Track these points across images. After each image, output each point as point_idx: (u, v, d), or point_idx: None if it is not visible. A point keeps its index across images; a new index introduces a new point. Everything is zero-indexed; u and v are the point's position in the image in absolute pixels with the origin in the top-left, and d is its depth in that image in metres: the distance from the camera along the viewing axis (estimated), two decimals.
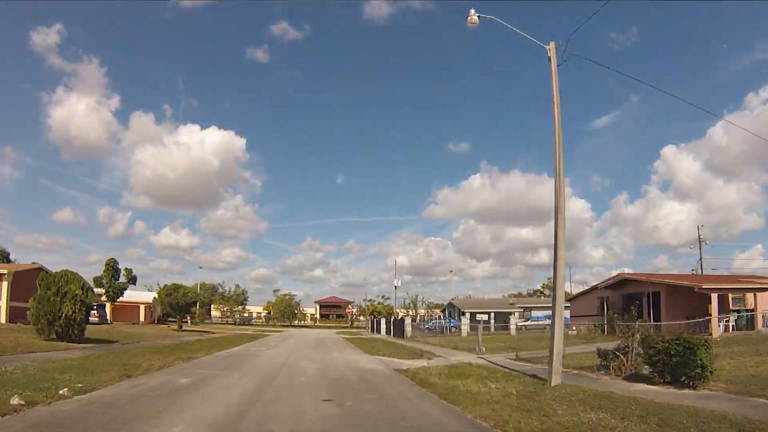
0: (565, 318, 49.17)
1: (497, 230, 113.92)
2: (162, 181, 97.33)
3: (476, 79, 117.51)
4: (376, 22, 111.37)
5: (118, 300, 52.10)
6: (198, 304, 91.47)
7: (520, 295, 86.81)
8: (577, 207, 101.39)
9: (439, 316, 50.53)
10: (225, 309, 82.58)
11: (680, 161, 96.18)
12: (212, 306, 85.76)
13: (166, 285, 39.76)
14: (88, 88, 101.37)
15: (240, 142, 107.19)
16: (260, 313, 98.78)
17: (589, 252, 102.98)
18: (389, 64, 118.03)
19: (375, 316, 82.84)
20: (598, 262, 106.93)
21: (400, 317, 48.89)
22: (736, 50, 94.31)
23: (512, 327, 43.47)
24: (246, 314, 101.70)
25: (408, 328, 38.60)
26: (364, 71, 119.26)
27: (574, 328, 38.42)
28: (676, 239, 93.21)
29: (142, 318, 53.40)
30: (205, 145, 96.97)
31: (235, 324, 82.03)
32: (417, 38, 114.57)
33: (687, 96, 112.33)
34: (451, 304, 56.88)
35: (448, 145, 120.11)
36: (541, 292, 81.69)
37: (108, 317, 49.72)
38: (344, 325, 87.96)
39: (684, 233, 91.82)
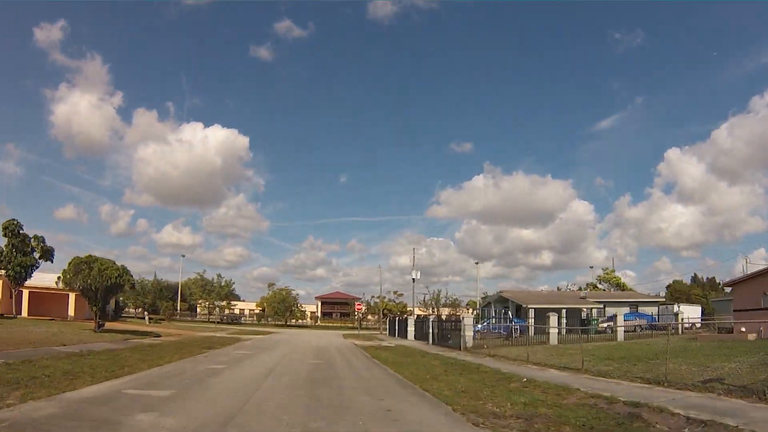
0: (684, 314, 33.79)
1: (500, 231, 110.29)
2: (165, 178, 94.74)
3: (480, 78, 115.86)
4: (380, 21, 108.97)
5: (41, 286, 37.14)
6: (179, 297, 77.80)
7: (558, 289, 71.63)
8: (580, 209, 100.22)
9: (504, 315, 35.09)
10: (206, 304, 67.55)
11: (684, 164, 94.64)
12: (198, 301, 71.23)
13: (76, 257, 24.58)
14: (91, 85, 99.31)
15: (243, 141, 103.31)
16: (253, 310, 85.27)
17: (592, 253, 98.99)
18: (393, 64, 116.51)
19: (388, 315, 67.92)
20: (600, 263, 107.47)
21: (449, 315, 33.67)
22: (741, 53, 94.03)
23: (620, 330, 28.36)
24: (237, 311, 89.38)
25: (468, 333, 23.37)
26: (368, 70, 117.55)
27: (743, 329, 23.25)
28: (678, 241, 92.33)
29: (71, 312, 38.21)
30: (208, 143, 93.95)
31: (220, 322, 67.18)
32: (421, 37, 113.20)
33: (691, 99, 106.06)
34: (501, 298, 41.60)
35: (452, 145, 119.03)
36: (595, 286, 66.37)
37: (17, 309, 34.74)
38: (350, 325, 72.78)
39: (687, 236, 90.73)
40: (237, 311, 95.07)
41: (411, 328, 36.14)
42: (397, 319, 41.53)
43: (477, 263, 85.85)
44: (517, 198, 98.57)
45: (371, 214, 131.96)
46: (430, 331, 29.52)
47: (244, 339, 29.83)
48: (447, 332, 28.47)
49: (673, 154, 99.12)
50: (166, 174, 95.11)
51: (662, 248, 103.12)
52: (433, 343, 29.01)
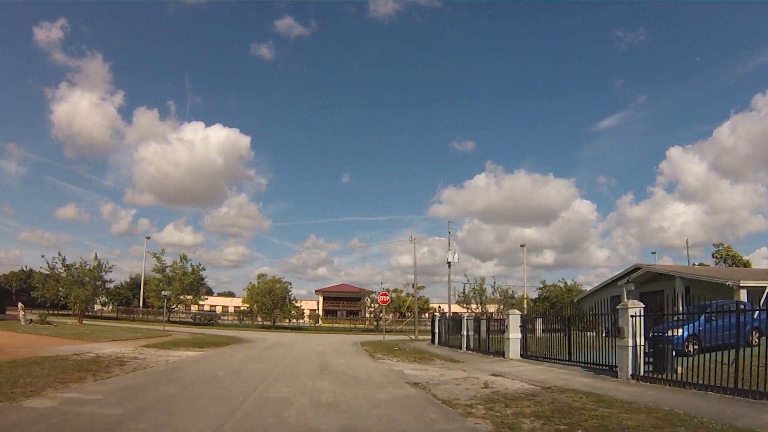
0: None
1: (502, 230, 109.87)
2: (166, 178, 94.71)
3: (482, 77, 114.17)
4: (381, 20, 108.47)
5: None
6: (141, 290, 59.06)
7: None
8: (582, 208, 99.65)
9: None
10: (167, 300, 48.57)
11: (686, 162, 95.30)
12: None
13: None
14: (92, 84, 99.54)
15: (245, 140, 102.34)
16: (239, 307, 67.61)
17: (594, 253, 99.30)
18: (395, 62, 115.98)
19: (405, 313, 49.99)
20: (602, 263, 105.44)
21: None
22: (743, 51, 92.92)
23: None
24: (219, 308, 72.93)
25: None
26: (370, 69, 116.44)
27: None
28: (681, 240, 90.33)
29: None
30: (209, 142, 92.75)
31: (191, 323, 48.77)
32: (422, 36, 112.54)
33: (693, 97, 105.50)
34: (653, 276, 22.54)
35: (453, 143, 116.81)
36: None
37: None
38: (361, 326, 54.10)
39: (689, 234, 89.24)
40: (220, 308, 78.62)
41: (515, 336, 17.29)
42: (465, 318, 22.34)
43: (523, 246, 67.04)
44: (519, 197, 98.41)
45: (373, 214, 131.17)
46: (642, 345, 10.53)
47: (105, 375, 10.91)
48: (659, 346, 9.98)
49: (675, 152, 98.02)
50: (167, 173, 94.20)
51: (664, 247, 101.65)
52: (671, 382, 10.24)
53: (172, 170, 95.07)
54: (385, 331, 48.14)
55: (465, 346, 21.81)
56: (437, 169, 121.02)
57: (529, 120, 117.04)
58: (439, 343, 26.52)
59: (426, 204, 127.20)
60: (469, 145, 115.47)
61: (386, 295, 31.41)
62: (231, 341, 24.98)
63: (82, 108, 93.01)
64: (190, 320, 54.82)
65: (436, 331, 26.94)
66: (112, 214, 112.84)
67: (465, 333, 22.14)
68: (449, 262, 52.10)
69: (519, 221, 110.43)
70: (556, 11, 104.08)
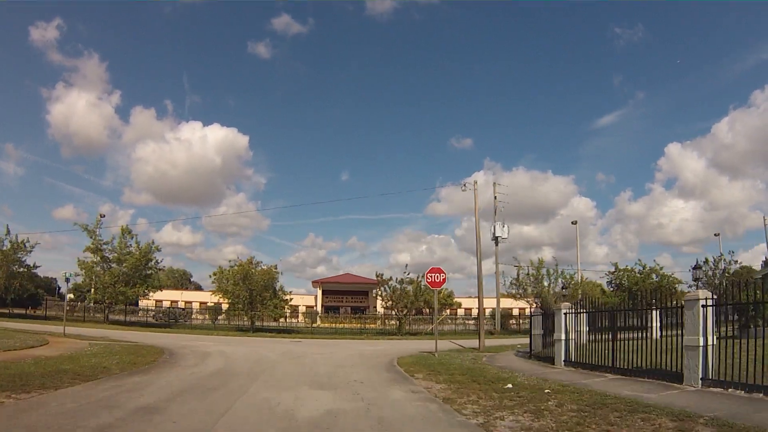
0: None
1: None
2: (164, 178, 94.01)
3: (480, 74, 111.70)
4: (379, 17, 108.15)
5: None
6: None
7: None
8: (581, 205, 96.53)
9: None
10: (109, 292, 34.44)
11: (685, 159, 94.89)
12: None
13: None
14: (89, 84, 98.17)
15: (243, 140, 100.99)
16: (220, 302, 53.98)
17: (593, 250, 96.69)
18: (393, 60, 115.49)
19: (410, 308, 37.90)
20: (601, 260, 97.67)
21: None
22: (742, 47, 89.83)
23: None
24: (197, 303, 58.70)
25: None
26: (368, 67, 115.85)
27: None
28: (680, 237, 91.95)
29: None
30: (207, 142, 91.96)
31: (147, 324, 35.19)
32: (421, 33, 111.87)
33: (692, 93, 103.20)
34: None
35: (452, 141, 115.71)
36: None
37: None
38: (374, 326, 40.34)
39: (688, 231, 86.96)
40: (197, 305, 64.90)
41: None
42: (706, 305, 8.26)
43: (574, 223, 53.14)
44: (517, 194, 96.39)
45: (371, 212, 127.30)
46: None
47: None
48: None
49: (673, 149, 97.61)
50: (165, 173, 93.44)
51: (663, 244, 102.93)
52: None
53: (170, 170, 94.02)
54: (407, 334, 34.60)
55: (700, 373, 8.01)
56: (436, 167, 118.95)
57: (528, 117, 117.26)
58: (567, 361, 12.76)
59: (425, 202, 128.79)
60: (467, 142, 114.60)
61: (441, 272, 16.91)
62: (129, 364, 11.27)
63: (79, 108, 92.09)
64: (152, 319, 41.52)
65: (562, 337, 13.02)
66: (110, 214, 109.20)
67: (701, 343, 8.32)
68: (496, 237, 38.35)
69: (517, 219, 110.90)
70: (554, 8, 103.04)
